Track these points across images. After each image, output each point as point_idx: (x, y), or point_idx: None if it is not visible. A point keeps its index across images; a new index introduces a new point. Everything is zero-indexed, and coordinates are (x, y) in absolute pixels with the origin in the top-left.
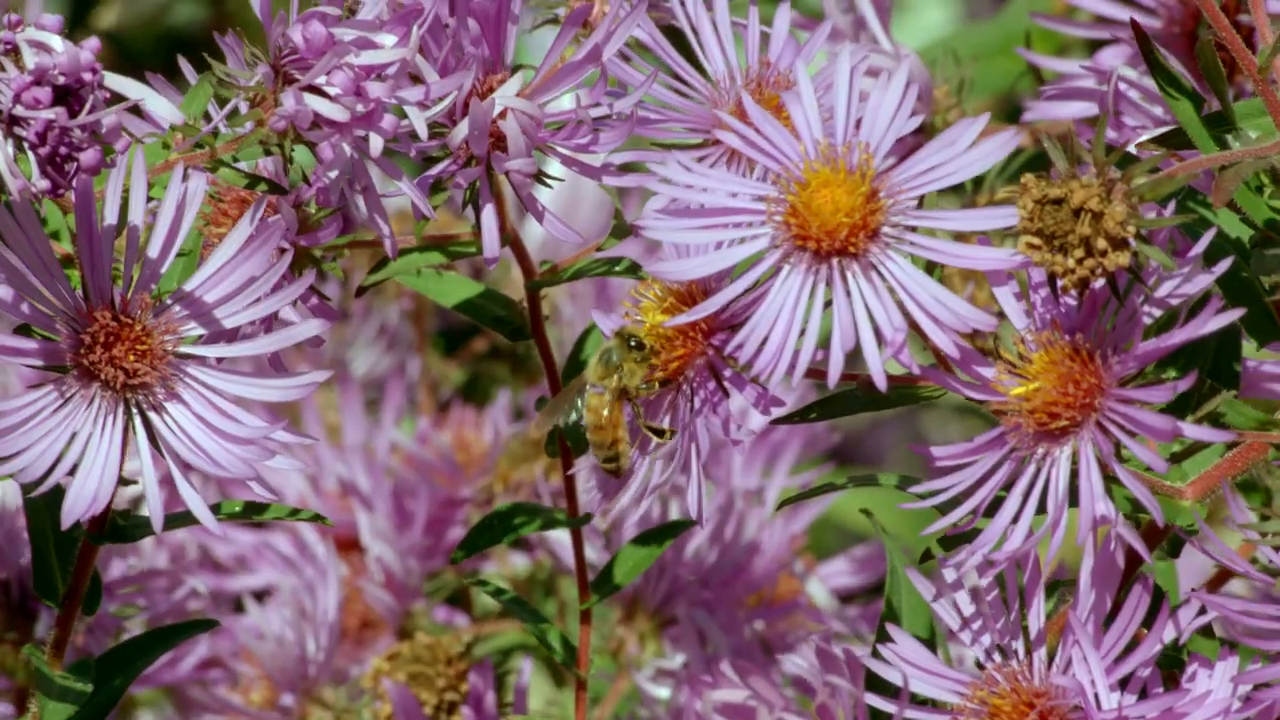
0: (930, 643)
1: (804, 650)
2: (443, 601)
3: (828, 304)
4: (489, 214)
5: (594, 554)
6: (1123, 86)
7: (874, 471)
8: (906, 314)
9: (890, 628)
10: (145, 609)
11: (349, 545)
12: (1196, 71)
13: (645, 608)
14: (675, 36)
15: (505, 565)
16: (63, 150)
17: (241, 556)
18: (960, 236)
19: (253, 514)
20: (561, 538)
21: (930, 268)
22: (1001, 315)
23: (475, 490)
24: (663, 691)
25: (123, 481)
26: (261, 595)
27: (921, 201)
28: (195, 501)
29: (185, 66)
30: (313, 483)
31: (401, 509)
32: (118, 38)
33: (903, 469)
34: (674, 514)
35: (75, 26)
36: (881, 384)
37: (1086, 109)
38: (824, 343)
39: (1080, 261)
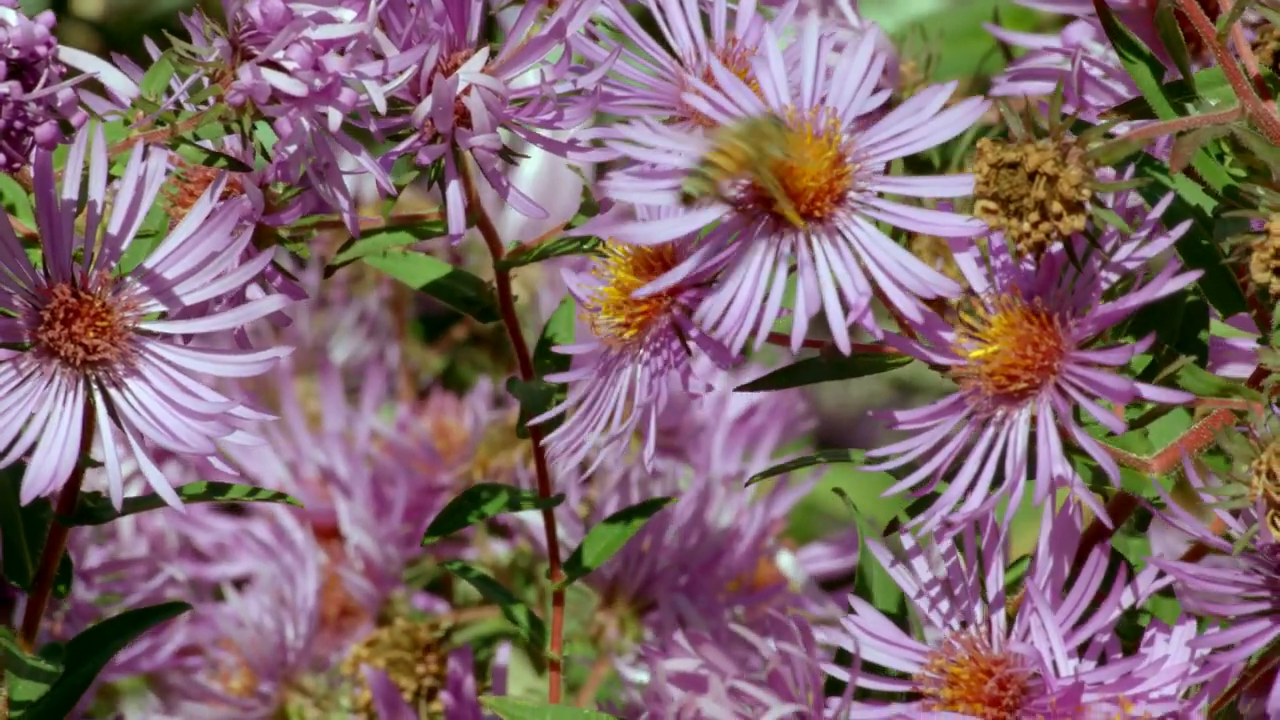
0: (902, 619)
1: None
2: (422, 589)
3: (793, 268)
4: (454, 190)
5: (573, 539)
6: (1086, 65)
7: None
8: (871, 279)
9: (853, 599)
10: (124, 597)
11: (328, 533)
12: (1160, 47)
13: (625, 593)
14: (644, 18)
15: (486, 552)
16: (18, 125)
17: (221, 544)
18: (924, 202)
19: (216, 495)
20: (540, 523)
21: (896, 234)
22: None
23: (454, 477)
24: (643, 676)
25: (92, 464)
26: (241, 583)
27: (888, 168)
28: (158, 480)
29: (151, 47)
30: (292, 470)
31: (381, 496)
32: (103, 27)
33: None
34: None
35: (56, 14)
36: (845, 348)
37: (1051, 86)
38: (790, 305)
39: (1035, 225)
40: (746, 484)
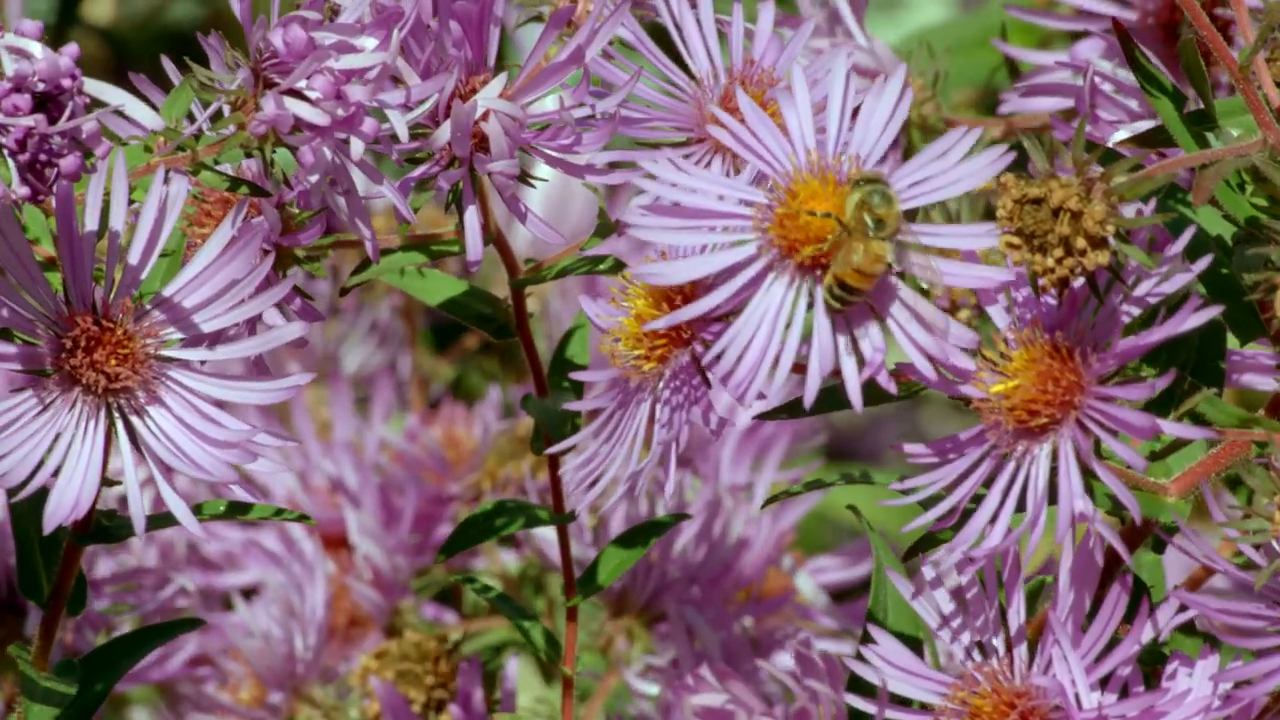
0: (916, 641)
1: (791, 647)
2: (431, 599)
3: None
4: (472, 215)
5: (581, 550)
6: (1097, 80)
7: (870, 468)
8: (887, 332)
9: (872, 628)
10: (134, 607)
11: (337, 542)
12: (1173, 65)
13: (634, 604)
14: (659, 34)
15: (495, 562)
16: (42, 157)
17: (230, 554)
18: (948, 252)
19: (236, 514)
20: (549, 535)
21: (923, 288)
22: (982, 313)
23: (463, 487)
24: (651, 688)
25: (107, 482)
26: (250, 593)
27: (912, 216)
28: (177, 504)
29: (170, 68)
30: (302, 479)
31: (390, 506)
32: (113, 36)
33: (901, 465)
34: (663, 511)
35: (65, 22)
36: (859, 406)
37: (1062, 102)
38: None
39: (1060, 261)
40: (766, 504)
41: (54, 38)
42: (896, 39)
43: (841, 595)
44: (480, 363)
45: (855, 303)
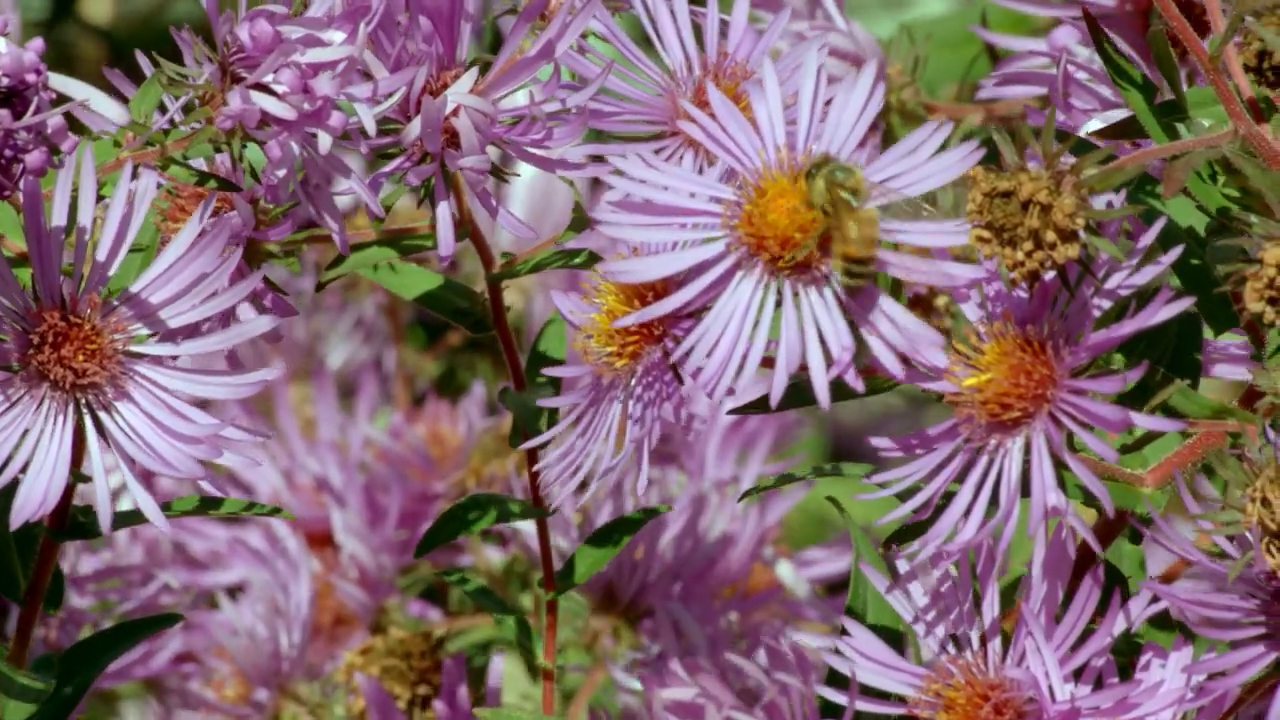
0: (896, 634)
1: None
2: (417, 596)
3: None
4: (444, 211)
5: (571, 546)
6: (1071, 68)
7: (869, 467)
8: (855, 330)
9: (847, 621)
10: (118, 604)
11: (322, 540)
12: (1148, 53)
13: (619, 600)
14: (635, 27)
15: (481, 558)
16: (7, 153)
17: (215, 552)
18: (920, 249)
19: (207, 510)
20: (534, 531)
21: (895, 286)
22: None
23: (448, 485)
24: (637, 683)
25: (83, 479)
26: (235, 590)
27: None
28: (145, 500)
29: (144, 62)
30: (287, 477)
31: (375, 504)
32: (112, 36)
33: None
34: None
35: (60, 18)
36: (825, 403)
37: (1038, 90)
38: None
39: (1030, 254)
40: (742, 497)
41: (47, 34)
42: (896, 31)
43: (833, 588)
44: (467, 359)
45: (870, 273)
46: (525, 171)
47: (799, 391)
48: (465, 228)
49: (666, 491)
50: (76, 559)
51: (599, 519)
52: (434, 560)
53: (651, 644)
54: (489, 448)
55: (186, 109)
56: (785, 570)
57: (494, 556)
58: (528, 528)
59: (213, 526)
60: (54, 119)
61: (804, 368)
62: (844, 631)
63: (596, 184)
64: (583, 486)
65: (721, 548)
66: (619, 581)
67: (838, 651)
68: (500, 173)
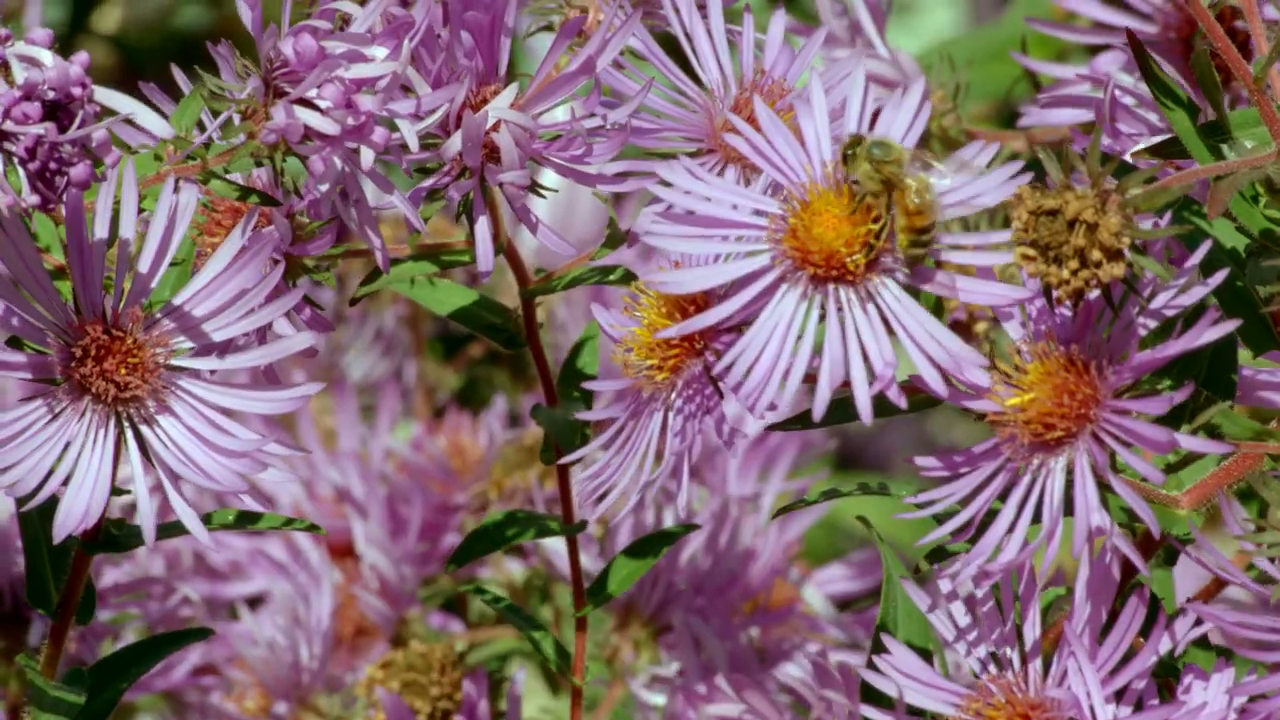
0: (926, 652)
1: (799, 658)
2: (437, 608)
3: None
4: (483, 226)
5: (589, 561)
6: (1117, 93)
7: (878, 475)
8: (898, 346)
9: (886, 638)
10: (140, 616)
11: (343, 551)
12: (1192, 78)
13: (640, 614)
14: (669, 44)
15: (501, 571)
16: (53, 165)
17: (236, 563)
18: (964, 268)
19: (246, 524)
20: (556, 545)
21: (938, 305)
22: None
23: (470, 496)
24: (658, 698)
25: (116, 491)
26: (255, 601)
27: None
28: (187, 514)
29: (180, 77)
30: (307, 488)
31: (396, 515)
32: (121, 41)
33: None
34: (670, 521)
35: (76, 29)
36: (868, 419)
37: (1082, 115)
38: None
39: (1075, 273)
40: (775, 515)
41: (64, 46)
42: (909, 44)
43: (845, 604)
44: (487, 372)
45: (933, 239)
46: (551, 188)
47: (840, 407)
48: (501, 243)
49: (689, 507)
50: (97, 571)
51: (619, 533)
52: (454, 573)
53: (670, 659)
54: (511, 460)
55: (225, 126)
56: (813, 595)
57: (514, 569)
58: (550, 541)
59: (233, 537)
60: (99, 132)
61: (845, 384)
62: (879, 647)
63: (620, 200)
64: (615, 500)
65: (743, 562)
66: (640, 596)
67: (874, 667)
68: (537, 188)
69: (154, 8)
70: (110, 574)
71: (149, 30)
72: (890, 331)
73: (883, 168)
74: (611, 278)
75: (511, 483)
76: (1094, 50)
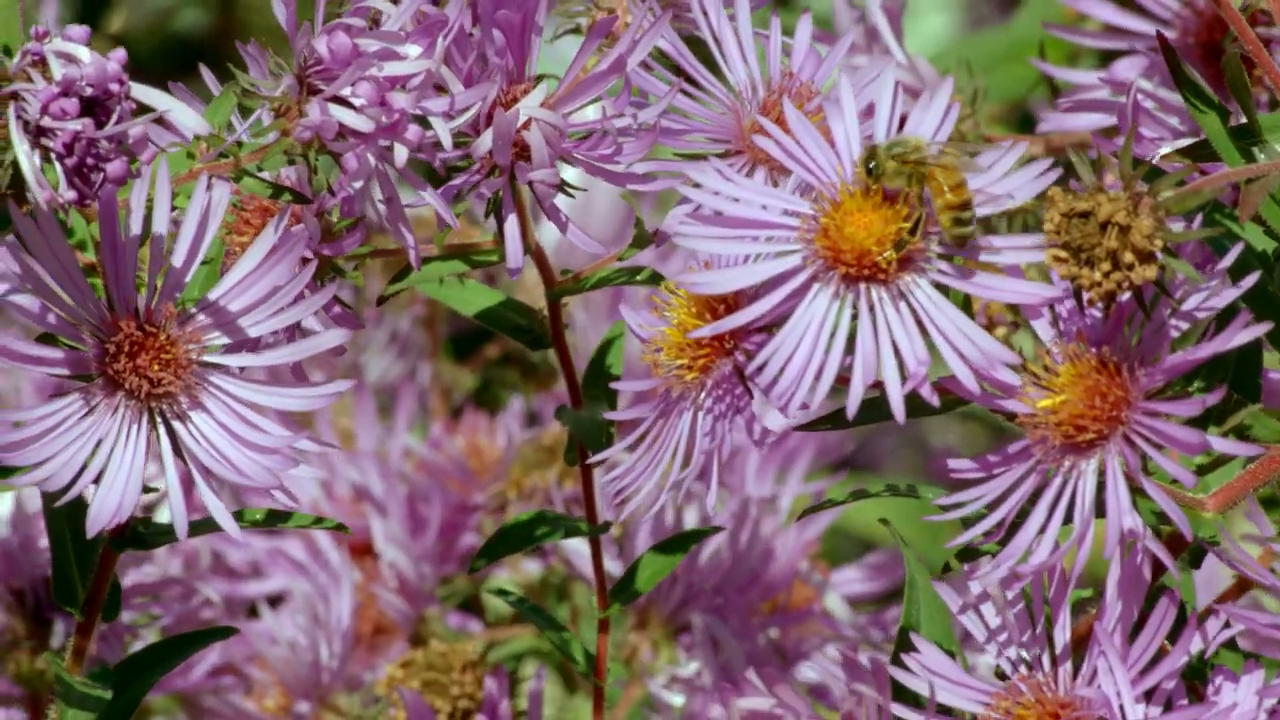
0: (949, 653)
1: (818, 657)
2: (456, 607)
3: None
4: (512, 224)
5: (608, 561)
6: (1139, 98)
7: (871, 477)
8: (930, 344)
9: (914, 636)
10: (159, 616)
11: (362, 551)
12: (1213, 82)
13: (659, 614)
14: (696, 46)
15: (518, 571)
16: (89, 161)
17: (255, 562)
18: (991, 267)
19: (276, 522)
20: (576, 545)
21: (967, 302)
22: (1021, 327)
23: (488, 496)
24: (676, 698)
25: (146, 490)
26: (275, 601)
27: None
28: (219, 510)
29: (208, 76)
30: (326, 488)
31: (415, 514)
32: (121, 42)
33: (904, 473)
34: (689, 522)
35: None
36: (901, 418)
37: (1101, 120)
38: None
39: (1107, 275)
40: (799, 517)
41: None
42: (910, 48)
43: (856, 606)
44: (502, 373)
45: (974, 216)
46: (579, 188)
47: (870, 407)
48: (529, 243)
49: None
50: (119, 571)
51: (639, 534)
52: (472, 573)
53: (689, 659)
54: (529, 459)
55: (258, 124)
56: (834, 601)
57: (531, 568)
58: (570, 541)
59: (252, 536)
60: (135, 129)
61: (876, 384)
62: (905, 645)
63: (639, 200)
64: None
65: (762, 562)
66: (659, 596)
67: (900, 664)
68: (568, 187)
69: (155, 9)
70: (131, 575)
71: (149, 32)
72: (923, 330)
73: (906, 160)
74: (639, 278)
75: (530, 482)
76: (1105, 54)
